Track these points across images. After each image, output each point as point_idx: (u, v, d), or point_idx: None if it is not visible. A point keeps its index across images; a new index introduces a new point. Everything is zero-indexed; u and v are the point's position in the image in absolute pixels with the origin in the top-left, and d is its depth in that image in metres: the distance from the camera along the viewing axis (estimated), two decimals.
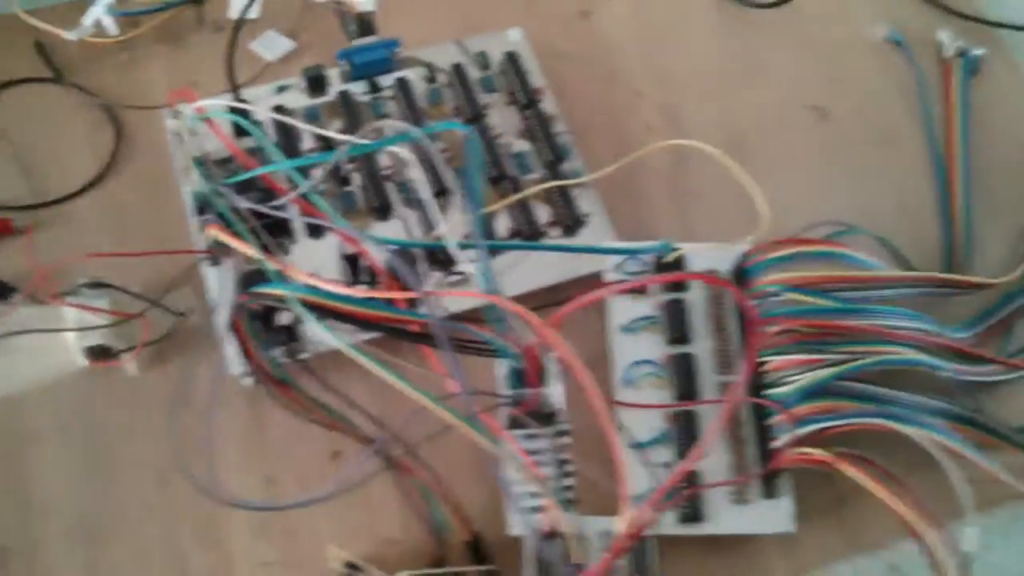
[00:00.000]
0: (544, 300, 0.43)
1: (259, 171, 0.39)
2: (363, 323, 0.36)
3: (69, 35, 0.50)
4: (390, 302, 0.34)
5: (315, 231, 0.44)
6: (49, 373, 0.43)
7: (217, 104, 0.40)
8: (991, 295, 0.47)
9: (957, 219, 0.50)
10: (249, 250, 0.35)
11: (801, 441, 0.39)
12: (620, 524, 0.34)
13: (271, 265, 0.34)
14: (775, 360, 0.40)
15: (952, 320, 0.46)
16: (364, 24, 0.48)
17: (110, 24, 0.51)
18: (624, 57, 0.53)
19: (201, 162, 0.42)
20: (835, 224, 0.45)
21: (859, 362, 0.40)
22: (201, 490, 0.33)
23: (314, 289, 0.33)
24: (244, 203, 0.38)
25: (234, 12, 0.52)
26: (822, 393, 0.39)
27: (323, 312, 0.35)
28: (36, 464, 0.41)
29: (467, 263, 0.39)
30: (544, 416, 0.41)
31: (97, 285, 0.43)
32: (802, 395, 0.39)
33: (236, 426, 0.43)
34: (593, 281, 0.43)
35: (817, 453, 0.38)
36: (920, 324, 0.43)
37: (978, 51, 0.55)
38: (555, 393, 0.42)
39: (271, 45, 0.51)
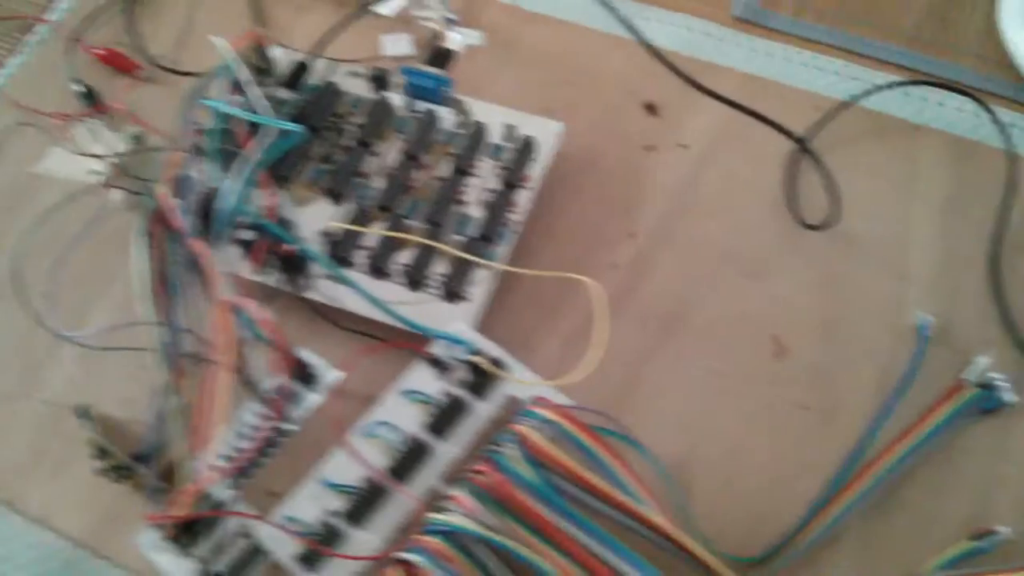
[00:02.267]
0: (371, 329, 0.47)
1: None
2: None
3: None
4: None
5: None
6: (72, 172, 0.55)
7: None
8: None
9: (822, 520, 0.43)
10: None
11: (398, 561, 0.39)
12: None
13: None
14: (457, 493, 0.41)
15: None
16: (438, 56, 0.54)
17: None
18: (650, 199, 0.53)
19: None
20: (616, 427, 0.42)
21: (501, 539, 0.39)
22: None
23: None
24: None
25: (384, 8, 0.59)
26: (451, 537, 0.39)
27: None
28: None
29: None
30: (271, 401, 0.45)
31: (138, 138, 0.55)
32: (435, 529, 0.39)
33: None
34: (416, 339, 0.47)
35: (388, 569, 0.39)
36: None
37: (1011, 397, 0.46)
38: (306, 397, 0.46)
39: (395, 45, 0.58)
